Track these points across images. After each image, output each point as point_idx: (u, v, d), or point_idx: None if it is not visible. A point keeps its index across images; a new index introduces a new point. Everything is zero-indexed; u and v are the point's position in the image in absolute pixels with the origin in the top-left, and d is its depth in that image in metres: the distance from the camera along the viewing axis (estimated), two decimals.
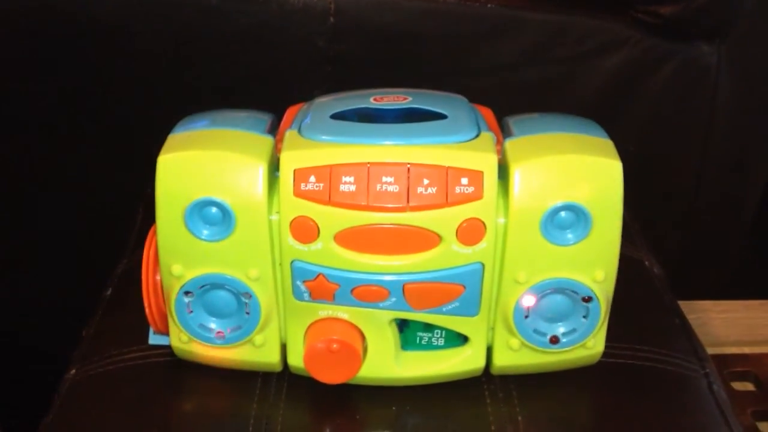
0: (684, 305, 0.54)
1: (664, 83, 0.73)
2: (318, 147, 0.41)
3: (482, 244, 0.41)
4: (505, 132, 0.45)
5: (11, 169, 0.76)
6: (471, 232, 0.41)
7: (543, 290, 0.42)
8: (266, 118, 0.46)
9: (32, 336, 0.84)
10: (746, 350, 0.79)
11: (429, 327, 0.44)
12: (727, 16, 0.71)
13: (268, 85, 0.72)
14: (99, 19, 0.68)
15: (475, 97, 0.51)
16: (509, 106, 0.72)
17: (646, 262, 0.56)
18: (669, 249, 0.79)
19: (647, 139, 0.76)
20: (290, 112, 0.47)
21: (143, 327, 0.47)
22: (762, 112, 0.77)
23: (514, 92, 0.73)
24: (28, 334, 0.84)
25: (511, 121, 0.45)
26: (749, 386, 0.76)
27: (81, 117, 0.73)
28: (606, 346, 0.45)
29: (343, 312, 0.43)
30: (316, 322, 0.43)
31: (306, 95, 0.71)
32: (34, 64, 0.70)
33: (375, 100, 0.45)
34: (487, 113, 0.47)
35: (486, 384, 0.45)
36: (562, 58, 0.72)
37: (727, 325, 0.81)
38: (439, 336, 0.45)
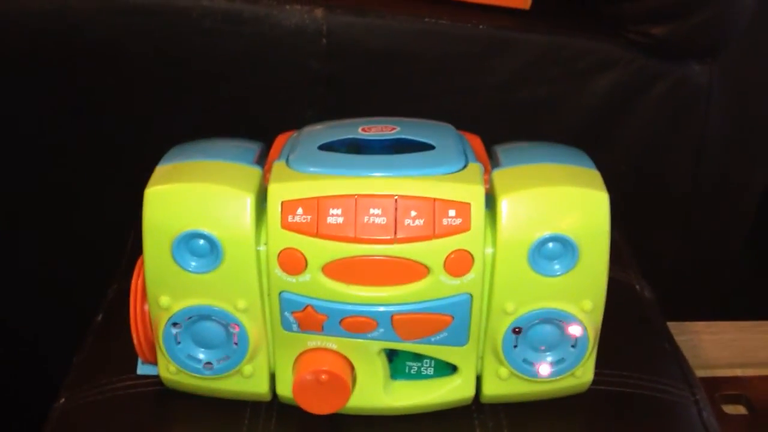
0: (675, 326, 0.54)
1: (657, 103, 0.73)
2: (305, 179, 0.41)
3: (470, 275, 0.41)
4: (493, 161, 0.45)
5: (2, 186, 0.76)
6: (459, 263, 0.41)
7: (531, 320, 0.42)
8: (255, 148, 0.46)
9: (30, 364, 0.84)
10: (738, 372, 0.78)
11: (418, 356, 0.44)
12: (719, 37, 0.71)
13: (260, 107, 0.72)
14: (90, 42, 0.68)
15: (467, 117, 0.51)
16: (501, 126, 0.73)
17: (637, 286, 0.56)
18: (660, 269, 0.79)
19: (639, 159, 0.76)
20: (279, 142, 0.47)
21: (133, 355, 0.47)
22: (754, 132, 0.77)
23: (506, 112, 0.73)
24: (26, 362, 0.84)
25: (500, 150, 0.46)
26: (741, 410, 0.76)
27: (72, 138, 0.73)
28: (595, 373, 0.45)
29: (331, 342, 0.43)
30: (304, 352, 0.43)
31: (299, 116, 0.72)
32: (24, 87, 0.71)
33: (363, 130, 0.45)
34: (475, 141, 0.47)
35: (476, 413, 0.45)
36: (554, 78, 0.72)
37: (719, 347, 0.81)
38: (428, 365, 0.45)
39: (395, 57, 0.71)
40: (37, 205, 0.76)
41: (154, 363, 0.45)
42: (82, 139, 0.73)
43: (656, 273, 0.60)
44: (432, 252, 0.40)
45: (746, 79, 0.75)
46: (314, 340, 0.43)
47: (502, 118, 0.73)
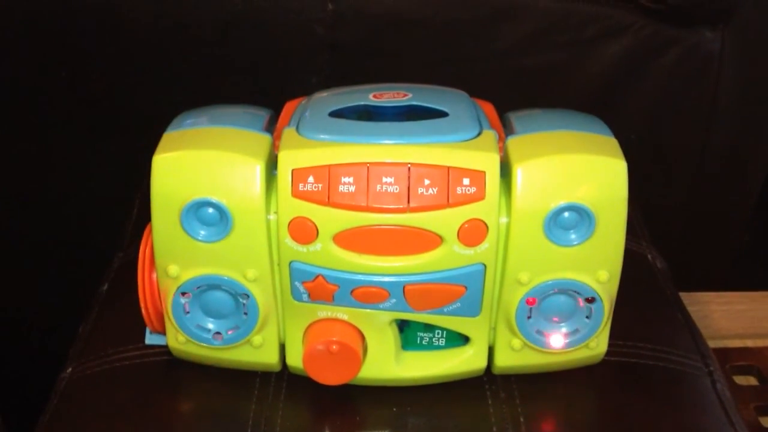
0: (685, 297, 0.54)
1: (667, 70, 0.72)
2: (316, 146, 0.40)
3: (484, 245, 0.40)
4: (507, 128, 0.44)
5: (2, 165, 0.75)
6: (473, 232, 0.40)
7: (546, 291, 0.42)
8: (264, 114, 0.45)
9: (36, 333, 0.83)
10: (749, 343, 0.78)
11: (430, 327, 0.44)
12: (730, 2, 0.70)
13: (266, 73, 0.71)
14: (91, 7, 0.67)
15: (475, 84, 0.50)
16: (510, 93, 0.72)
17: (649, 256, 0.55)
18: (671, 239, 0.78)
19: (649, 127, 0.75)
20: (288, 108, 0.46)
21: (140, 324, 0.46)
22: (765, 99, 0.76)
23: (515, 79, 0.72)
24: (31, 331, 0.83)
25: (513, 117, 0.45)
26: (752, 380, 0.75)
27: (75, 108, 0.72)
28: (609, 344, 0.44)
29: (342, 313, 0.42)
30: (315, 322, 0.43)
31: (305, 83, 0.71)
32: (22, 54, 0.69)
33: (374, 96, 0.44)
34: (488, 108, 0.46)
35: (488, 384, 0.45)
36: (563, 44, 0.71)
37: (730, 317, 0.80)
38: (440, 336, 0.44)
39: (402, 23, 0.69)
40: (37, 171, 0.75)
41: (163, 333, 0.45)
42: (84, 110, 0.72)
43: (666, 242, 0.60)
44: (445, 221, 0.40)
45: (758, 46, 0.74)
46: (325, 311, 0.42)
47: (510, 85, 0.72)
